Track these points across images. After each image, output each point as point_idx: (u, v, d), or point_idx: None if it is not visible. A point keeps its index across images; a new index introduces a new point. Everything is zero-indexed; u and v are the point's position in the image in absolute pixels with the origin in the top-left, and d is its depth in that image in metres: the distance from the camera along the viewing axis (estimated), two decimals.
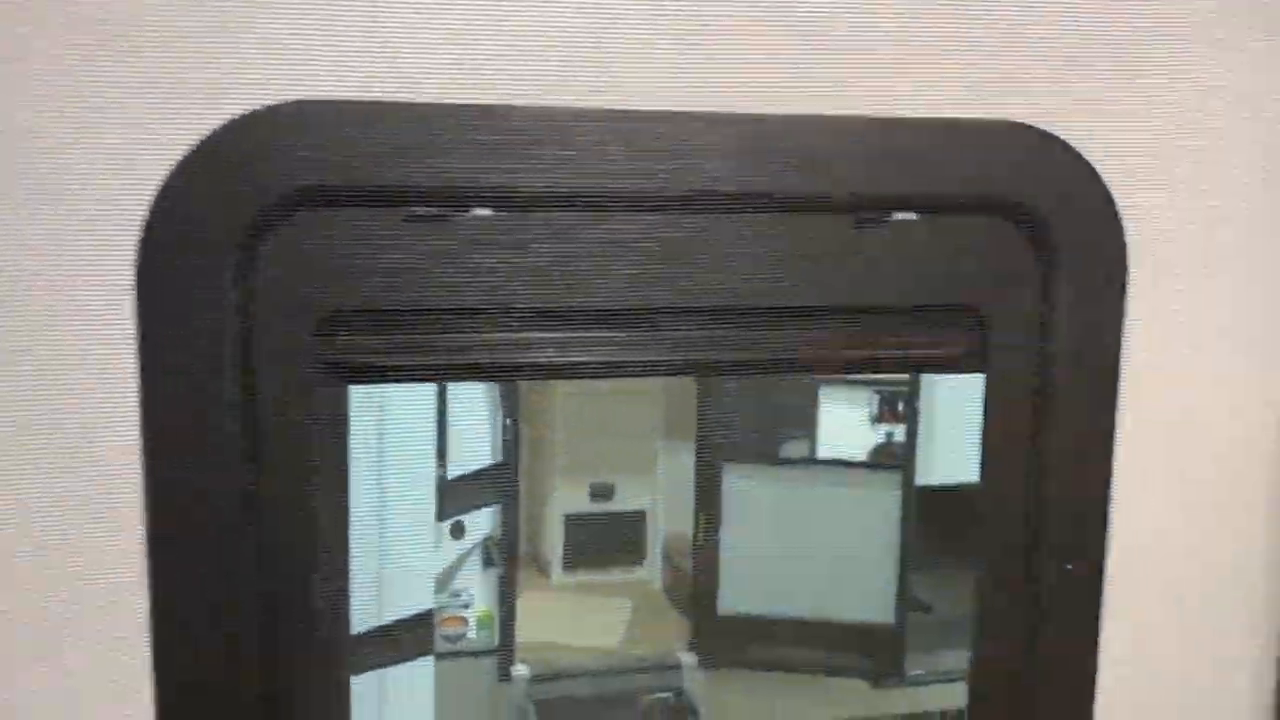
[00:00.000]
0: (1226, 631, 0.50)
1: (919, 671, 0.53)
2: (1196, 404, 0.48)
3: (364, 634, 0.45)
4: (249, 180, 0.37)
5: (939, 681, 0.53)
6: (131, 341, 0.38)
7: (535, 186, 0.39)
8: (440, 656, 0.49)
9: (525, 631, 0.51)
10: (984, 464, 0.46)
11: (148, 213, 0.37)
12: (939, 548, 0.53)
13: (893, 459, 0.53)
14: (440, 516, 0.48)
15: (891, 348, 0.45)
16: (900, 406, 0.52)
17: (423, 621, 0.48)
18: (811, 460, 0.53)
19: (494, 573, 0.51)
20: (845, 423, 0.53)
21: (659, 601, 0.53)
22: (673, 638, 0.53)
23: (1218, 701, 0.51)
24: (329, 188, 0.38)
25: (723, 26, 0.40)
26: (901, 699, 0.53)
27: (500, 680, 0.50)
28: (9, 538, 0.38)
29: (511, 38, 0.39)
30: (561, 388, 0.50)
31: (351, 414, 0.44)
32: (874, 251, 0.43)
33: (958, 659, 0.51)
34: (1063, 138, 0.44)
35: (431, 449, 0.47)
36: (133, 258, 0.37)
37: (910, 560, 0.52)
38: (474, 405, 0.47)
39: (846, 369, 0.46)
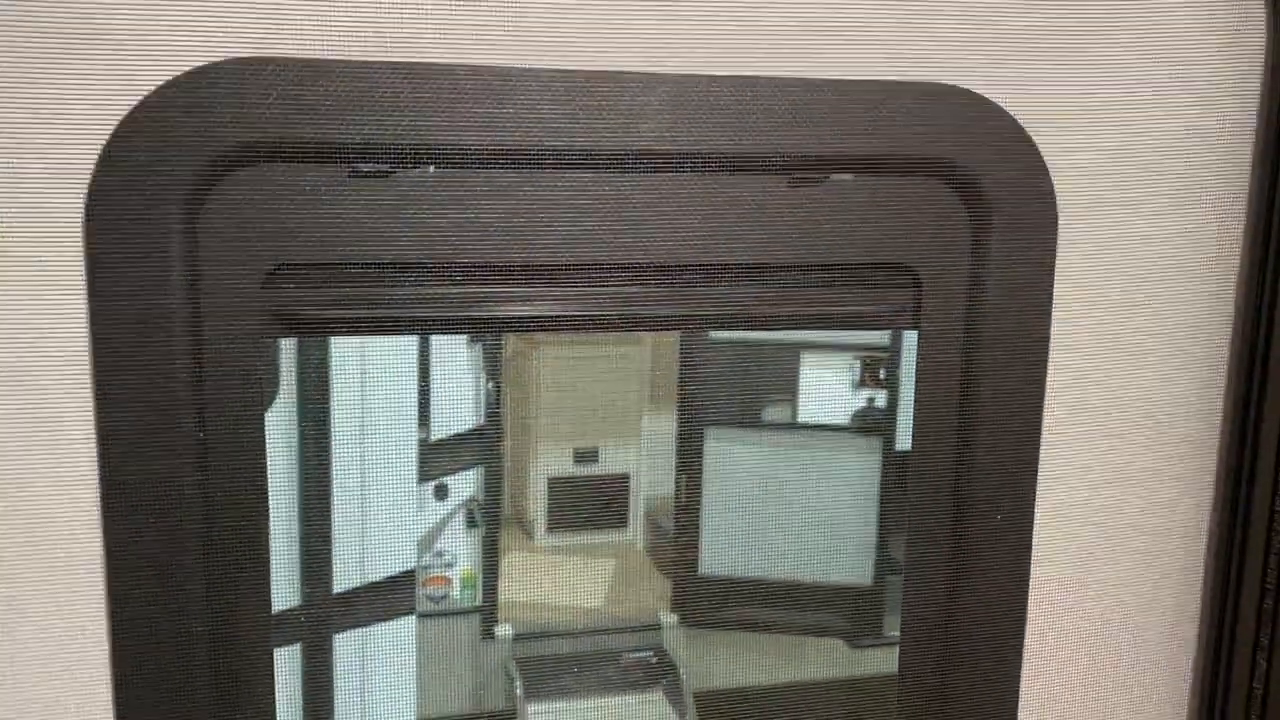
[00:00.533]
0: (1155, 583, 0.52)
1: (896, 632, 0.54)
2: (1126, 362, 0.49)
3: (345, 592, 0.46)
4: (193, 137, 0.38)
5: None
6: (81, 297, 0.38)
7: (476, 144, 0.40)
8: (423, 616, 0.49)
9: (508, 592, 0.52)
10: (916, 420, 0.47)
11: (94, 169, 0.37)
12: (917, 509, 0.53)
13: (874, 424, 0.53)
14: (423, 478, 0.48)
15: (826, 305, 0.46)
16: (882, 372, 0.53)
17: (405, 581, 0.48)
18: (793, 425, 0.53)
19: (477, 534, 0.51)
20: (827, 387, 0.53)
21: (641, 563, 0.54)
22: (654, 598, 0.53)
23: (1144, 652, 0.53)
24: (273, 144, 0.38)
25: None
26: (879, 659, 0.54)
27: (483, 639, 0.51)
28: None
29: None
30: (544, 351, 0.50)
31: (332, 375, 0.44)
32: (809, 211, 0.44)
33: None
34: (994, 100, 0.45)
35: (414, 412, 0.47)
36: (80, 216, 0.38)
37: (889, 523, 0.53)
38: (456, 368, 0.47)
39: (779, 326, 0.47)
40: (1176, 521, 0.52)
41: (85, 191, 0.37)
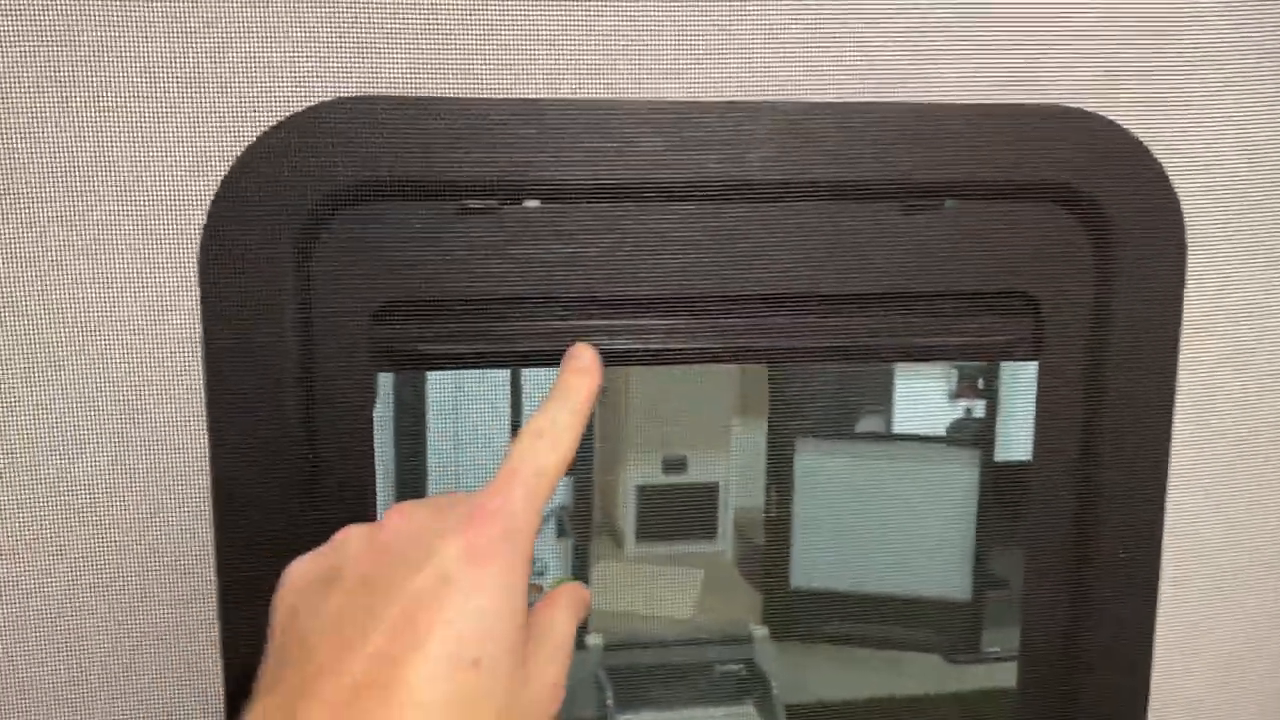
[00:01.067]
0: None
1: (995, 648, 0.53)
2: (1257, 396, 0.47)
3: None
4: (304, 176, 0.38)
5: (1015, 658, 0.52)
6: (196, 336, 0.39)
7: (581, 178, 0.40)
8: None
9: (599, 601, 0.52)
10: (1036, 452, 0.45)
11: (208, 208, 0.38)
12: (1016, 524, 0.52)
13: (971, 435, 0.52)
14: None
15: (941, 335, 0.44)
16: (980, 382, 0.51)
17: None
18: (887, 435, 0.52)
19: (568, 543, 0.52)
20: (922, 397, 0.52)
21: (730, 574, 0.54)
22: (744, 610, 0.53)
23: (1275, 694, 0.50)
24: (382, 181, 0.39)
25: (761, 15, 0.40)
26: (976, 675, 0.52)
27: (575, 648, 0.51)
28: (74, 525, 0.40)
29: (556, 31, 0.39)
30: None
31: (430, 396, 0.45)
32: (923, 238, 0.43)
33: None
34: (1114, 119, 0.43)
35: (507, 424, 0.47)
36: (195, 255, 0.39)
37: (987, 536, 0.52)
38: (548, 380, 0.48)
39: (895, 358, 0.45)
40: None
41: (199, 231, 0.38)
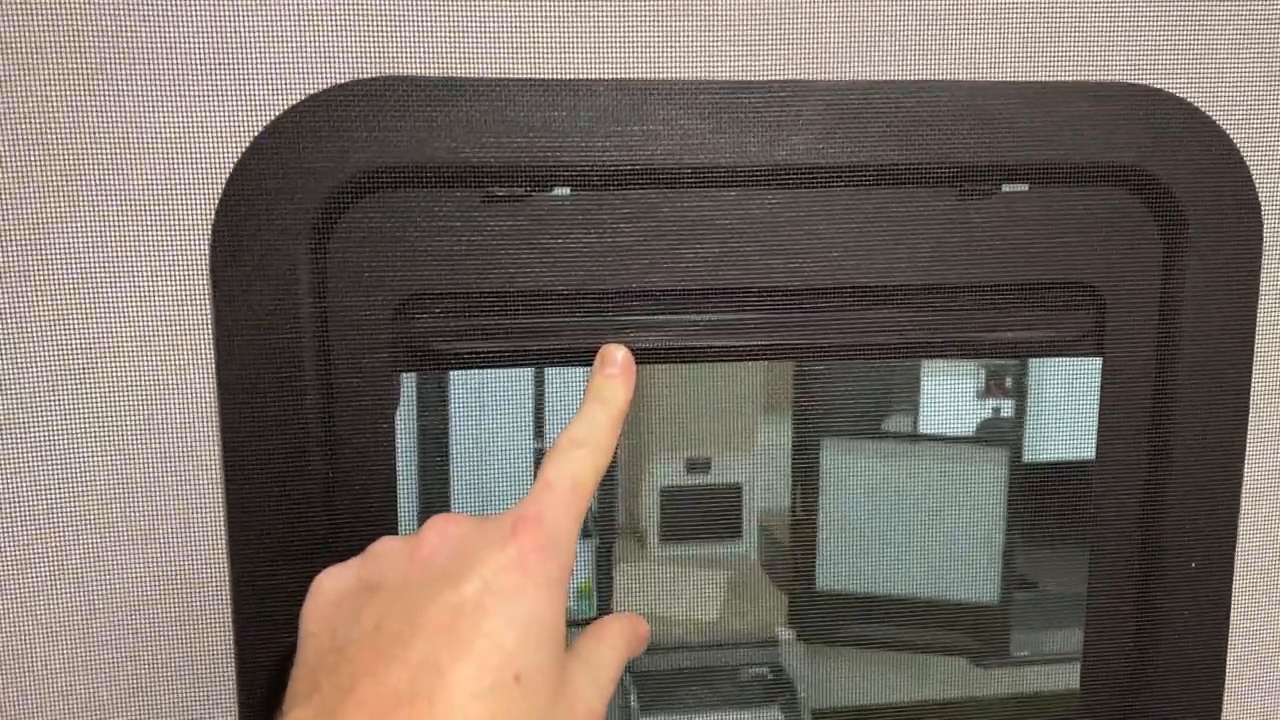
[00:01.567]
0: None
1: (1024, 652, 0.52)
2: None
3: None
4: (320, 162, 0.36)
5: (1045, 661, 0.51)
6: (207, 332, 0.38)
7: (615, 163, 0.38)
8: None
9: (623, 602, 0.51)
10: (1099, 454, 0.43)
11: (219, 198, 0.36)
12: (1046, 525, 0.51)
13: (999, 434, 0.51)
14: None
15: (999, 330, 0.42)
16: (1008, 381, 0.50)
17: None
18: (914, 435, 0.51)
19: (591, 544, 0.51)
20: (950, 397, 0.51)
21: (756, 575, 0.53)
22: (770, 612, 0.52)
23: None
24: (404, 168, 0.37)
25: None
26: (1006, 678, 0.52)
27: None
28: (79, 529, 0.39)
29: (588, 10, 0.37)
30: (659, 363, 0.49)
31: (451, 397, 0.44)
32: (978, 226, 0.40)
33: (1064, 639, 0.49)
34: (1187, 99, 0.40)
35: (530, 424, 0.47)
36: (205, 246, 0.37)
37: (1016, 538, 0.51)
38: (571, 379, 0.47)
39: (949, 354, 0.43)
40: None
41: (210, 221, 0.37)
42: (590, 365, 0.39)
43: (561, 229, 0.39)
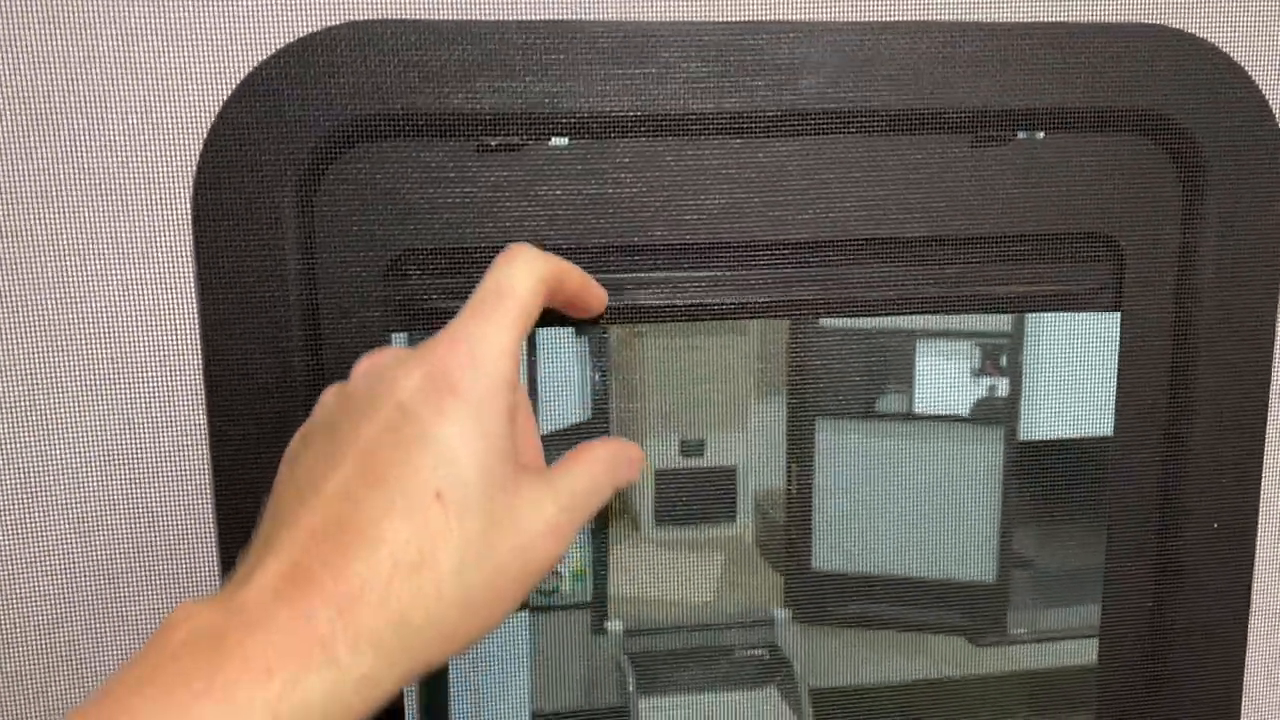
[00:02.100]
0: None
1: (1021, 630, 0.52)
2: None
3: None
4: (305, 111, 0.35)
5: (1041, 640, 0.51)
6: (190, 292, 0.36)
7: (615, 110, 0.36)
8: (534, 610, 0.49)
9: (618, 586, 0.51)
10: (1119, 416, 0.41)
11: (200, 150, 0.35)
12: (1042, 503, 0.51)
13: (995, 412, 0.51)
14: None
15: (1011, 284, 0.41)
16: (1003, 359, 0.50)
17: None
18: (908, 415, 0.51)
19: (587, 527, 0.51)
20: (945, 376, 0.51)
21: (751, 557, 0.53)
22: (765, 593, 0.52)
23: None
24: (393, 116, 0.35)
25: None
26: (1003, 657, 0.52)
27: (595, 634, 0.51)
28: (60, 482, 0.37)
29: None
30: (651, 343, 0.49)
31: None
32: (994, 175, 0.39)
33: (1060, 617, 0.49)
34: (1210, 40, 0.39)
35: (524, 385, 0.47)
36: (189, 194, 0.35)
37: (1012, 516, 0.51)
38: (564, 362, 0.47)
39: (961, 309, 0.41)
40: None
41: (191, 175, 0.35)
42: (598, 325, 0.38)
43: (559, 180, 0.37)
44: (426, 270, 0.37)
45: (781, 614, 0.52)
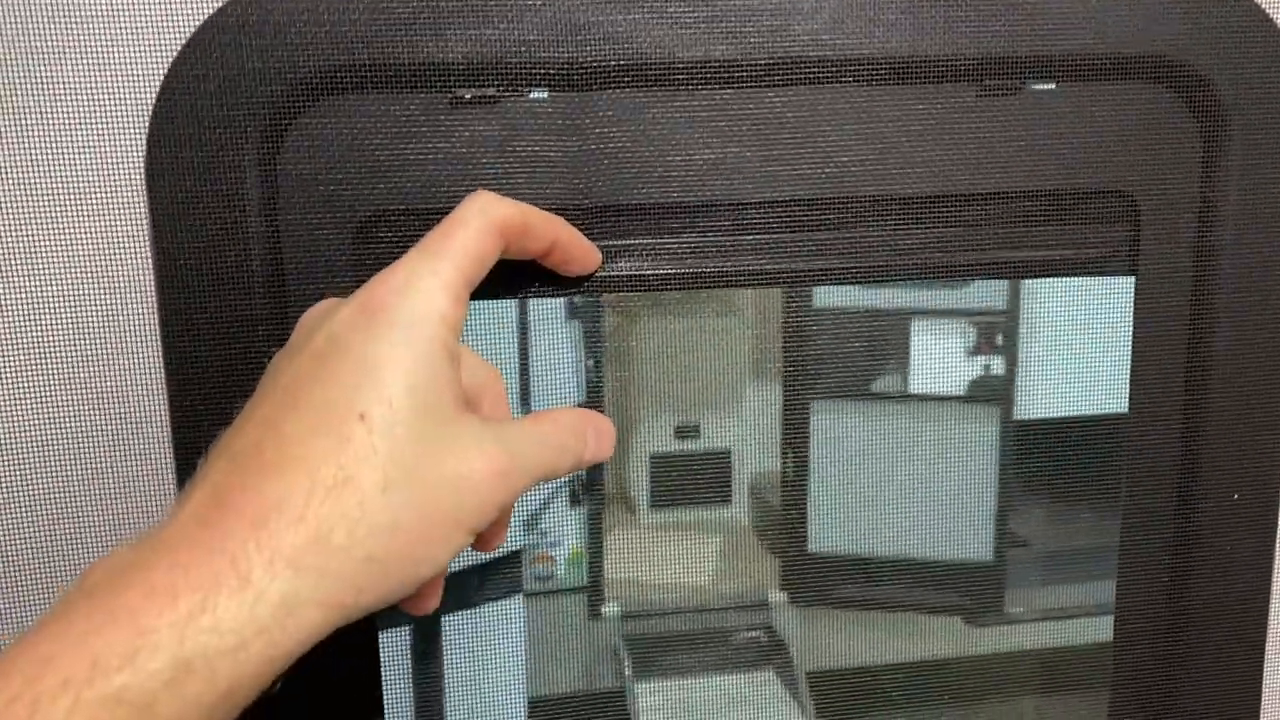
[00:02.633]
0: None
1: (1019, 609, 0.52)
2: None
3: (454, 573, 0.46)
4: (265, 62, 0.32)
5: (1039, 619, 0.51)
6: (146, 259, 0.34)
7: (597, 60, 0.34)
8: (530, 594, 0.49)
9: (614, 569, 0.51)
10: (1134, 380, 0.39)
11: (153, 105, 0.33)
12: (1047, 480, 0.51)
13: (991, 391, 0.51)
14: None
15: (1022, 247, 0.38)
16: (999, 338, 0.50)
17: (512, 561, 0.48)
18: (904, 395, 0.51)
19: (582, 511, 0.51)
20: (940, 355, 0.50)
21: (747, 540, 0.53)
22: (762, 576, 0.52)
23: None
24: (359, 66, 0.33)
25: None
26: (1000, 636, 0.51)
27: (591, 618, 0.51)
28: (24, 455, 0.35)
29: None
30: (643, 326, 0.49)
31: None
32: (1001, 128, 0.36)
33: (1057, 596, 0.49)
34: None
35: (514, 391, 0.47)
36: (141, 153, 0.33)
37: (1009, 496, 0.50)
38: (557, 346, 0.47)
39: (967, 273, 0.39)
40: None
41: (144, 133, 0.33)
42: (580, 294, 0.36)
43: (537, 136, 0.35)
44: (398, 233, 0.35)
45: (778, 597, 0.52)
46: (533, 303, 0.41)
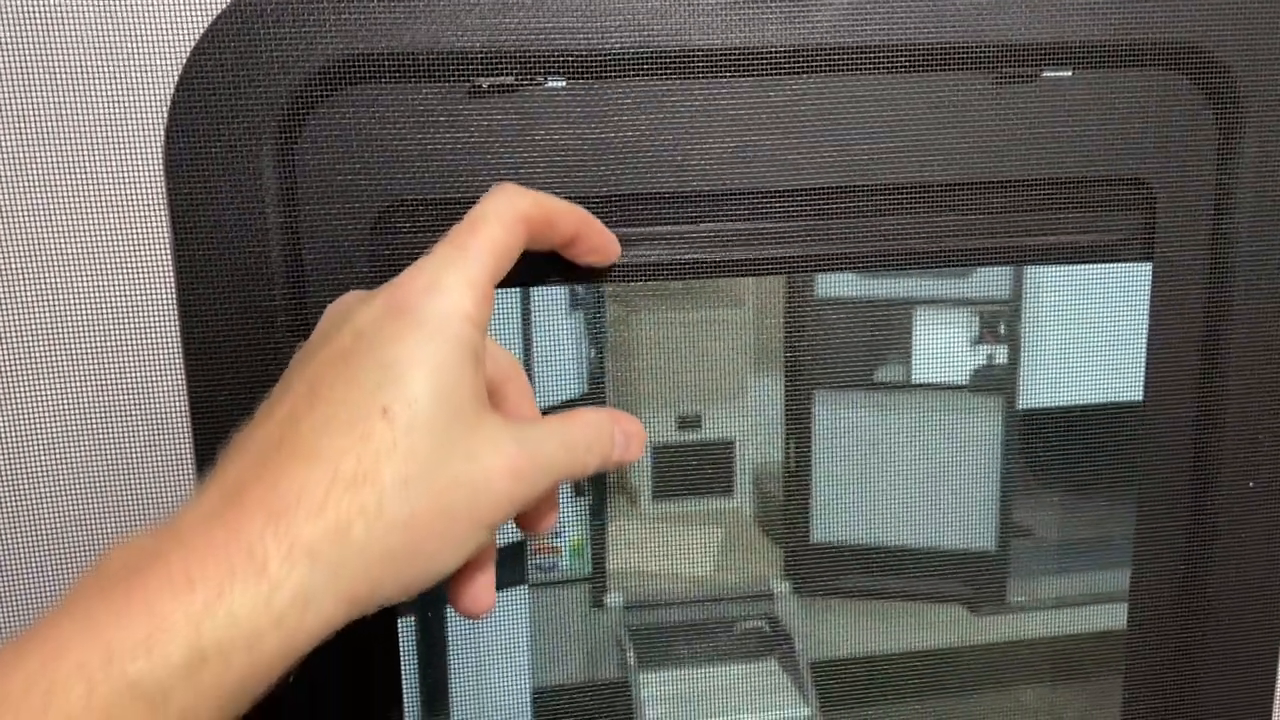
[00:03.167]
0: None
1: (1021, 598, 0.52)
2: None
3: None
4: (286, 48, 0.32)
5: (1041, 608, 0.51)
6: (164, 249, 0.34)
7: (615, 48, 0.34)
8: (534, 585, 0.49)
9: (617, 560, 0.51)
10: (1150, 367, 0.39)
11: (174, 89, 0.33)
12: (1052, 470, 0.51)
13: (994, 381, 0.51)
14: None
15: (1038, 234, 0.38)
16: (1002, 328, 0.50)
17: (516, 551, 0.48)
18: (907, 384, 0.51)
19: (585, 502, 0.51)
20: (944, 345, 0.50)
21: (750, 530, 0.53)
22: (765, 566, 0.52)
23: None
24: (378, 55, 0.33)
25: None
26: (1003, 625, 0.52)
27: (594, 608, 0.51)
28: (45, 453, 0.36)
29: None
30: (647, 316, 0.49)
31: None
32: (1018, 115, 0.36)
33: (1060, 585, 0.49)
34: None
35: (519, 344, 0.46)
36: (160, 144, 0.33)
37: (1011, 485, 0.50)
38: (560, 337, 0.47)
39: (984, 260, 0.39)
40: None
41: (163, 122, 0.33)
42: (601, 283, 0.36)
43: (556, 125, 0.35)
44: (416, 223, 0.35)
45: (781, 587, 0.52)
46: (536, 293, 0.41)
